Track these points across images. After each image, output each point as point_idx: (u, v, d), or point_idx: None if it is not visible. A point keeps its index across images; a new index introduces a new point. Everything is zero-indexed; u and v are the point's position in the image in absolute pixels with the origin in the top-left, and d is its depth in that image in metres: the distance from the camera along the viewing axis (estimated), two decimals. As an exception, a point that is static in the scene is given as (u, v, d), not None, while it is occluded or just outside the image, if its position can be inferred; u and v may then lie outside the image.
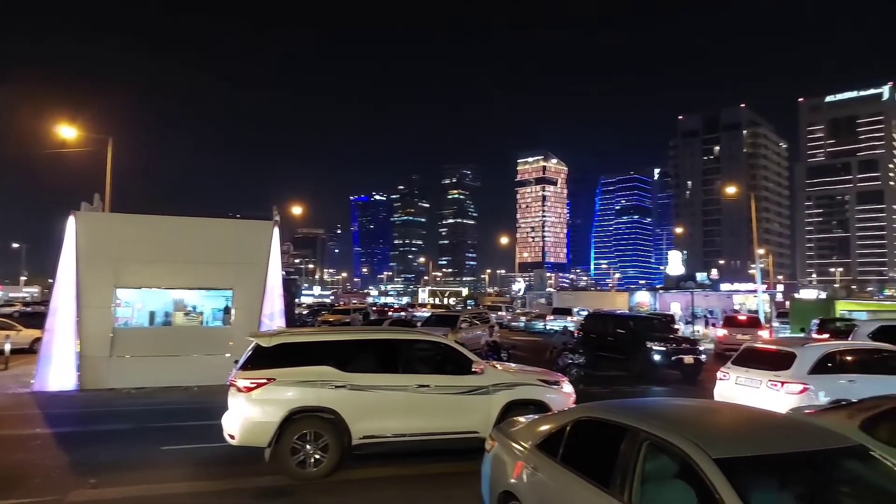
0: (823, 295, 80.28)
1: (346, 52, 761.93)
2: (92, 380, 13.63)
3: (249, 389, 7.32)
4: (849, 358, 10.02)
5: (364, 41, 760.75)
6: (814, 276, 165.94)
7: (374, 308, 56.70)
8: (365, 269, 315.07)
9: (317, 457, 7.39)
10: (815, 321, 25.67)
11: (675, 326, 28.17)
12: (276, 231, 15.69)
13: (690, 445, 3.41)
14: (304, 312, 43.24)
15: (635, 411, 4.38)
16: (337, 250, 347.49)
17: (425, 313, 42.74)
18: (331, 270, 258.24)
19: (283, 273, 18.54)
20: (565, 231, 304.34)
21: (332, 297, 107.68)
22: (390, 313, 50.00)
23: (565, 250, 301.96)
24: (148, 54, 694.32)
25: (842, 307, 31.28)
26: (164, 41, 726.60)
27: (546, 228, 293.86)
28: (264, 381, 7.37)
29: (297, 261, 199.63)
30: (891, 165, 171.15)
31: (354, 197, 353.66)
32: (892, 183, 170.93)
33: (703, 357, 18.53)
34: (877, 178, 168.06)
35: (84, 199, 15.24)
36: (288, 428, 7.31)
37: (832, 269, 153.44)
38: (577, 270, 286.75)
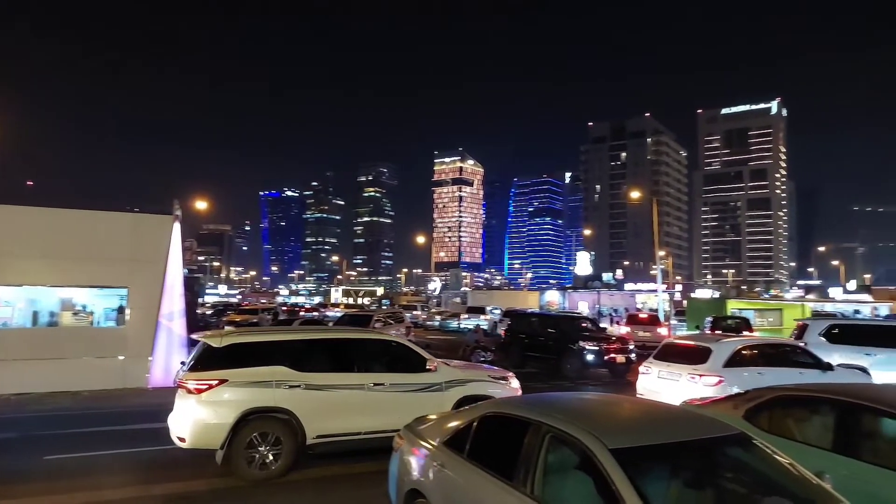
0: (717, 295, 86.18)
1: (259, 41, 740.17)
2: (-35, 386, 12.41)
3: (201, 391, 7.13)
4: (758, 353, 11.07)
5: (277, 31, 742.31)
6: (709, 276, 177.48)
7: (284, 308, 55.16)
8: (275, 268, 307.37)
9: (270, 458, 7.27)
10: (709, 319, 27.47)
11: (603, 325, 28.94)
12: (177, 226, 14.89)
13: (588, 437, 3.52)
14: (208, 312, 41.40)
15: (539, 406, 4.47)
16: (245, 248, 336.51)
17: (338, 313, 42.10)
18: (238, 269, 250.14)
19: (185, 271, 17.67)
20: (481, 231, 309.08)
21: (240, 297, 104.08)
22: (301, 313, 48.85)
23: (481, 250, 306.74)
24: (41, 33, 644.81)
25: (732, 306, 33.45)
26: (62, 19, 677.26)
27: (462, 228, 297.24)
28: (216, 382, 7.20)
29: (201, 258, 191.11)
30: (777, 175, 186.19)
31: (265, 192, 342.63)
32: (778, 191, 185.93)
33: (633, 356, 18.26)
34: (765, 187, 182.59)
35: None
36: (241, 429, 7.16)
37: (725, 271, 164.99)
38: (492, 270, 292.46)
